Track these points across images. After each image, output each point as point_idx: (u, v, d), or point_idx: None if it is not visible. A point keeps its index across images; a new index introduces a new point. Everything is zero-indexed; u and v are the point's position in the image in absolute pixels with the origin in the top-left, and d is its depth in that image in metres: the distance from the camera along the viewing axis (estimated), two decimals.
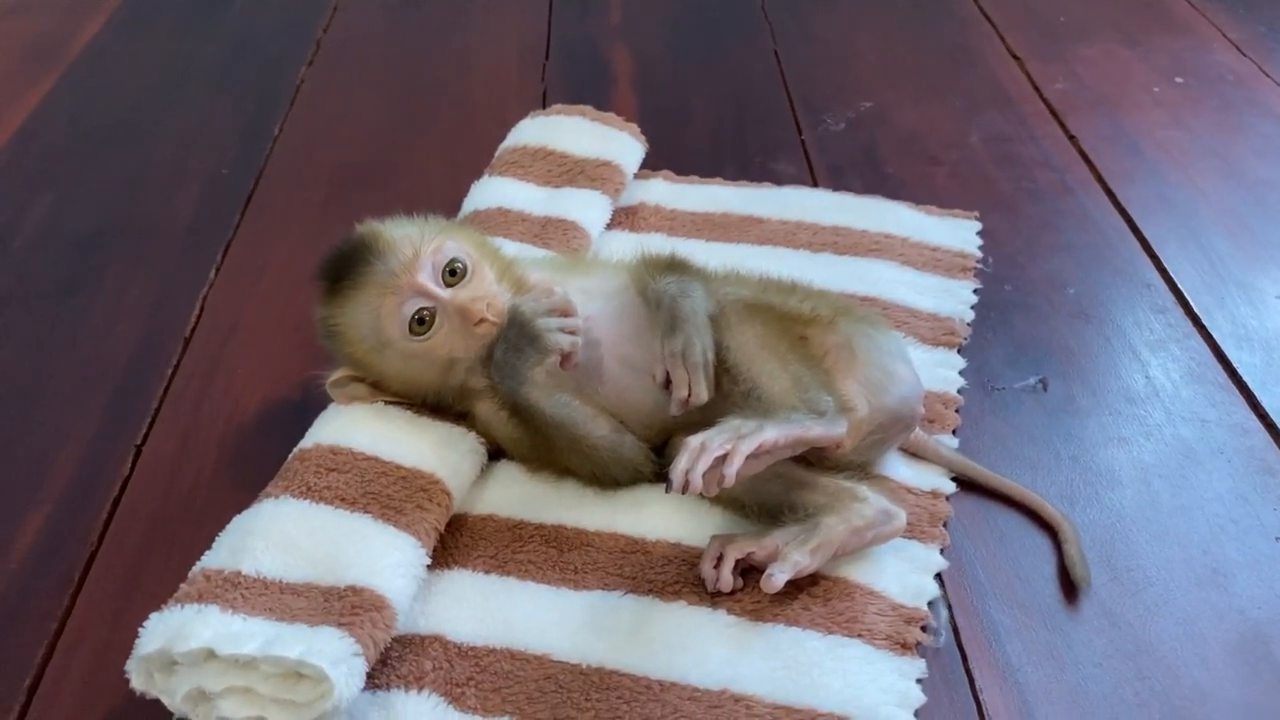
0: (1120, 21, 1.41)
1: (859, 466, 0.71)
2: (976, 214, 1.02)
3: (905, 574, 0.67)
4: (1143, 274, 0.97)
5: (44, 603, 0.67)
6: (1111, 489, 0.75)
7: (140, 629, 0.58)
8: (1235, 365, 0.86)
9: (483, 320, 0.69)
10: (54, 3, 1.45)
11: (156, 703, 0.58)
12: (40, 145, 1.15)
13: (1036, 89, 1.26)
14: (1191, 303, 0.93)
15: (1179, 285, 0.95)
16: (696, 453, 0.62)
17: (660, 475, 0.70)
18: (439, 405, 0.73)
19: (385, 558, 0.63)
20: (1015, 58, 1.33)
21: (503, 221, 0.91)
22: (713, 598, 0.65)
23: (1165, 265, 0.97)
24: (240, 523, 0.65)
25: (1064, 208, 1.05)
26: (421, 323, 0.69)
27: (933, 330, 0.87)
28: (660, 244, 0.92)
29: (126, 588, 0.68)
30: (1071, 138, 1.16)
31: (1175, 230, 1.02)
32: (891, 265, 0.93)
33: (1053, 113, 1.21)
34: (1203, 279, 0.96)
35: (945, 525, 0.71)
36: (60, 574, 0.69)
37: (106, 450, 0.78)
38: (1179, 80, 1.27)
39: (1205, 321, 0.91)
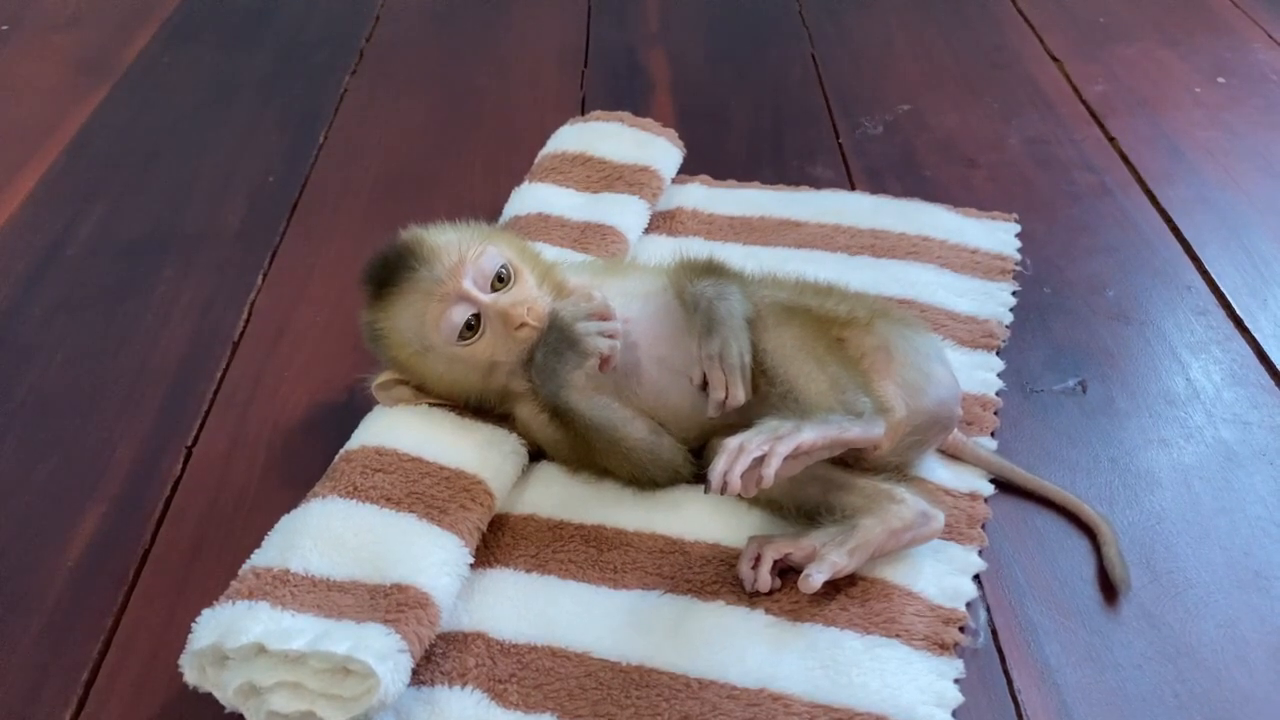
0: (1160, 21, 1.40)
1: (897, 468, 0.71)
2: (1015, 216, 1.02)
3: (943, 575, 0.68)
4: (1183, 276, 0.96)
5: (99, 600, 0.69)
6: (1151, 491, 0.75)
7: (193, 625, 0.59)
8: (1279, 367, 0.85)
9: (523, 324, 0.70)
10: (105, 17, 1.48)
11: (209, 697, 0.59)
12: (92, 156, 1.17)
13: (1076, 90, 1.25)
14: (1233, 304, 0.92)
15: (1220, 287, 0.94)
16: (735, 454, 0.62)
17: (698, 476, 0.71)
18: (481, 407, 0.74)
19: (429, 556, 0.64)
20: (1054, 59, 1.32)
21: (543, 227, 0.92)
22: (751, 597, 0.66)
23: (1206, 267, 0.96)
24: (289, 522, 0.66)
25: (1103, 209, 1.05)
26: (470, 328, 0.70)
27: (971, 332, 0.87)
28: (698, 248, 0.93)
29: (179, 585, 0.70)
30: (1111, 139, 1.16)
31: (1217, 231, 1.01)
32: (930, 268, 0.93)
33: (1092, 114, 1.20)
34: (1245, 280, 0.95)
35: (983, 527, 0.71)
36: (115, 572, 0.71)
37: (158, 452, 0.80)
38: (1220, 80, 1.26)
39: (1248, 323, 0.90)
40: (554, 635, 0.64)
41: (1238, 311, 0.91)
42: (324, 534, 0.64)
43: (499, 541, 0.70)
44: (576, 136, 1.04)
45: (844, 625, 0.64)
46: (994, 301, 0.90)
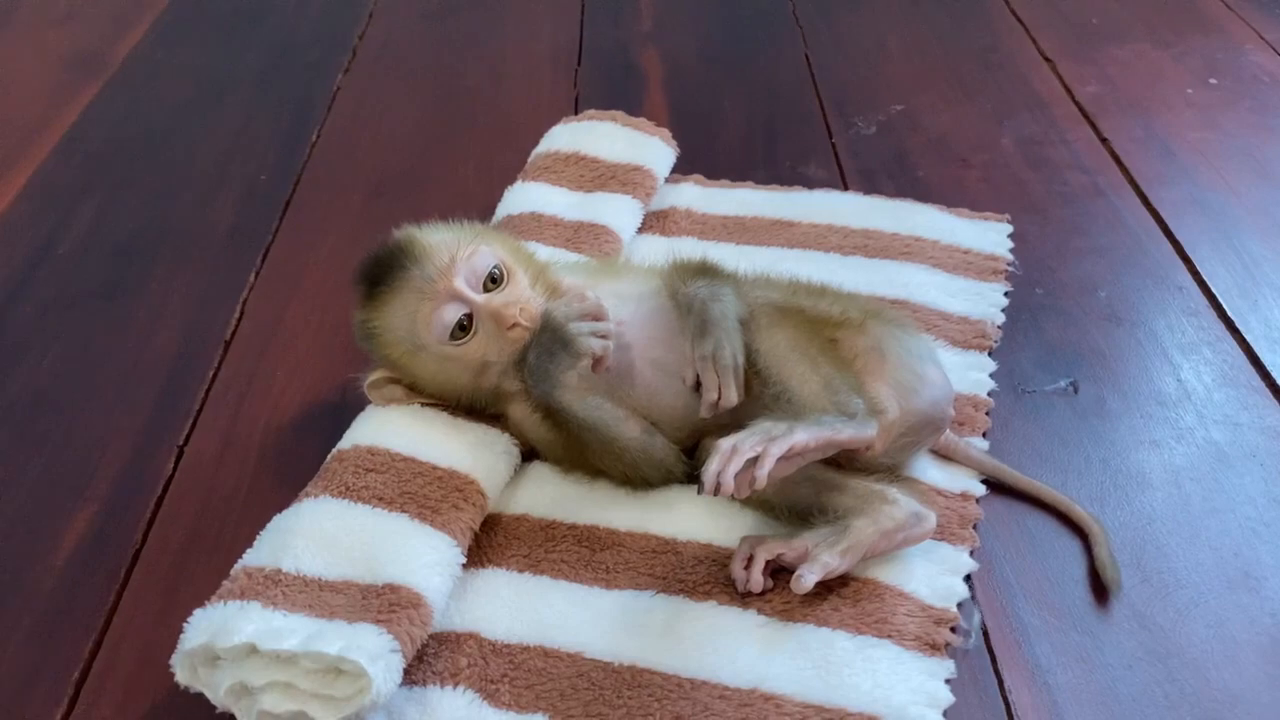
0: (1153, 23, 1.40)
1: (889, 469, 0.71)
2: (1007, 217, 1.02)
3: (935, 576, 0.68)
4: (1175, 277, 0.96)
5: (90, 599, 0.69)
6: (1142, 491, 0.75)
7: (184, 625, 0.59)
8: (1269, 368, 0.86)
9: (516, 324, 0.70)
10: (98, 13, 1.48)
11: (200, 697, 0.59)
12: (84, 152, 1.17)
13: (1068, 91, 1.25)
14: (1224, 305, 0.92)
15: (1212, 288, 0.94)
16: (728, 455, 0.63)
17: (691, 476, 0.71)
18: (474, 407, 0.74)
19: (422, 556, 0.64)
20: (1047, 60, 1.32)
21: (536, 226, 0.92)
22: (743, 598, 0.66)
23: (1198, 268, 0.97)
24: (280, 521, 0.66)
25: (1096, 210, 1.05)
26: (462, 328, 0.70)
27: (963, 333, 0.87)
28: (691, 248, 0.93)
29: (170, 585, 0.70)
30: (1103, 140, 1.16)
31: (1208, 233, 1.01)
32: (922, 268, 0.93)
33: (1084, 115, 1.21)
34: (1236, 282, 0.95)
35: (975, 527, 0.72)
36: (106, 571, 0.71)
37: (150, 451, 0.80)
38: (1213, 82, 1.27)
39: (1238, 324, 0.90)
40: (546, 635, 0.65)
41: (1228, 313, 0.92)
42: (316, 534, 0.64)
43: (491, 542, 0.70)
44: (570, 136, 1.04)
45: (836, 626, 0.64)
46: (986, 302, 0.91)
